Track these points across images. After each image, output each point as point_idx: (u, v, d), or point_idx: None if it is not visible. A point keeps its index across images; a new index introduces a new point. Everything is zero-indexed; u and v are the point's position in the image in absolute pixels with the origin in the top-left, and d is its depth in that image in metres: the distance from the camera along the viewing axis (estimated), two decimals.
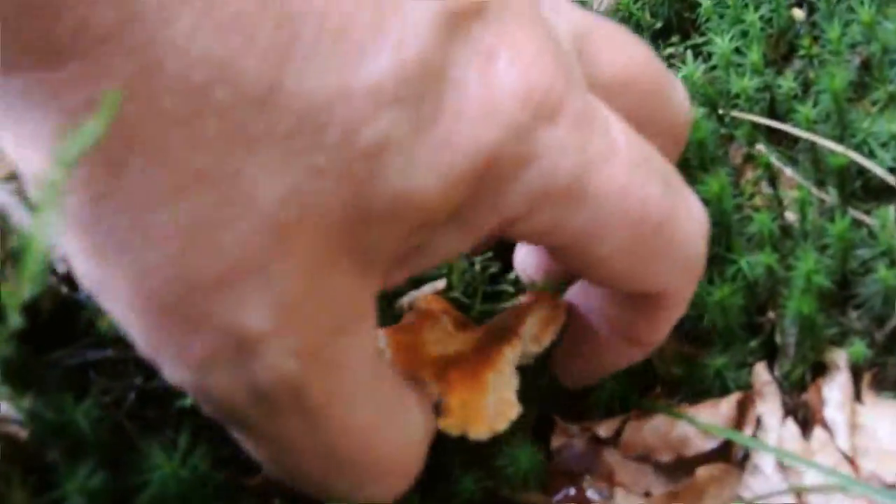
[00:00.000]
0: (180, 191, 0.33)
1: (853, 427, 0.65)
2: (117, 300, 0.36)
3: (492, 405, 0.47)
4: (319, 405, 0.38)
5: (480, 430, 0.46)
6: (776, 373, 0.67)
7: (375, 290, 0.39)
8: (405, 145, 0.35)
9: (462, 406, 0.46)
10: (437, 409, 0.46)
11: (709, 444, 0.59)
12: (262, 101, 0.33)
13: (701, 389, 0.64)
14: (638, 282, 0.48)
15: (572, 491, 0.63)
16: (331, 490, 0.41)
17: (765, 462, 0.63)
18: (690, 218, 0.47)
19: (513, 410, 0.48)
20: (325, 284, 0.36)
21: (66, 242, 0.35)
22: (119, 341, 0.53)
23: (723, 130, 0.71)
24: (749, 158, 0.70)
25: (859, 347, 0.65)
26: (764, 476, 0.63)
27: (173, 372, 0.37)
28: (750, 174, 0.69)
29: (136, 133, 0.32)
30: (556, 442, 0.65)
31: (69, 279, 0.54)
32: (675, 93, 0.49)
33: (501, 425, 0.47)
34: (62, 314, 0.53)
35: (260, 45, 0.32)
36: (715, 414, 0.62)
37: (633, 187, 0.42)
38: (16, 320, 0.29)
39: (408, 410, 0.45)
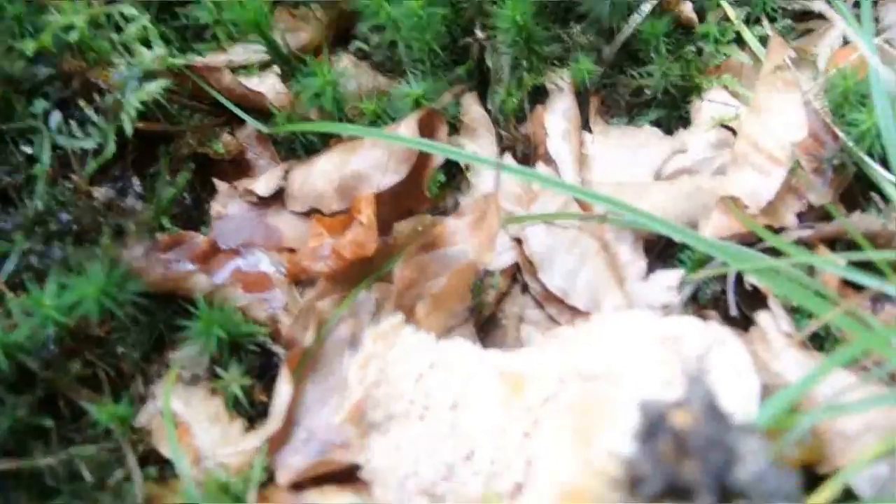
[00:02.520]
0: None
1: (581, 160, 0.53)
2: None
3: None
4: None
5: None
6: (489, 104, 0.55)
7: None
8: None
9: None
10: None
11: (392, 179, 0.46)
12: None
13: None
14: None
15: (239, 264, 0.49)
16: None
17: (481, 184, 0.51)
18: None
19: None
20: None
21: None
22: None
23: None
24: None
25: (584, 63, 0.53)
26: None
27: None
28: None
29: None
30: (215, 210, 0.50)
31: None
32: None
33: None
34: None
35: None
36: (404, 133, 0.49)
37: None
38: None
39: None
